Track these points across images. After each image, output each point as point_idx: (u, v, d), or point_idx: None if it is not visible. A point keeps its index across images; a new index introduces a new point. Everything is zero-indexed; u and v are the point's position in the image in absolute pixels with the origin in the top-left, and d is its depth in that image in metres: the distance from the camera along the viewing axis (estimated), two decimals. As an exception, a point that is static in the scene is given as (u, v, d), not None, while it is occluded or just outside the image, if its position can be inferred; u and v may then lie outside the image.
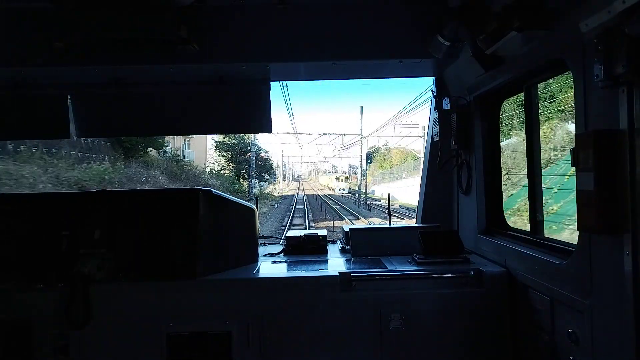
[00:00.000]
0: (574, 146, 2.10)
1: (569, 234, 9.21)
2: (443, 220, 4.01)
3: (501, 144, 3.54)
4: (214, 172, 38.36)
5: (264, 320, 2.88)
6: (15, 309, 2.83)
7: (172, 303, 2.89)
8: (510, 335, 2.91)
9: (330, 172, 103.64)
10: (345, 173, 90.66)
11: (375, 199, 50.84)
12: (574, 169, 2.10)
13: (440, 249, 3.28)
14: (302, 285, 2.95)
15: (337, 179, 74.00)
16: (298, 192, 65.82)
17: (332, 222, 24.48)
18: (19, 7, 3.23)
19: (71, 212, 3.24)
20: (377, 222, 25.29)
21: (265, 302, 2.91)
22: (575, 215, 2.12)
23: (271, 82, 3.92)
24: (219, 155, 44.21)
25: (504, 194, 3.51)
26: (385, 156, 78.32)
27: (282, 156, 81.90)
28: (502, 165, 3.51)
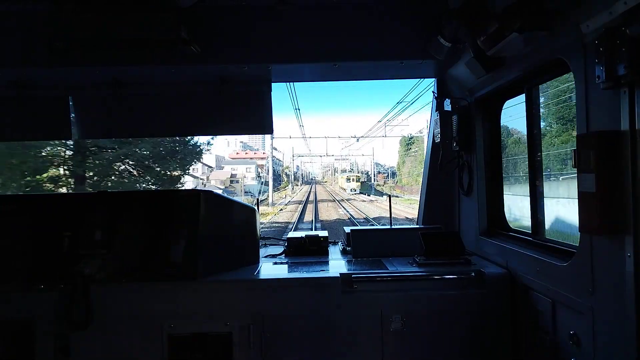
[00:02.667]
0: (575, 147, 2.10)
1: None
2: (444, 222, 4.00)
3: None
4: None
5: (265, 321, 2.88)
6: (16, 310, 2.83)
7: (172, 304, 2.88)
8: (511, 337, 2.90)
9: (351, 171, 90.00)
10: (357, 172, 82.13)
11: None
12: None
13: (442, 251, 3.28)
14: (303, 286, 2.94)
15: (348, 179, 68.28)
16: (303, 211, 32.91)
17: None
18: (20, 7, 3.24)
19: (72, 213, 3.24)
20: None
21: (266, 303, 2.90)
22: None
23: (273, 84, 3.93)
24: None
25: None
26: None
27: (272, 144, 51.21)
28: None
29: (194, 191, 3.19)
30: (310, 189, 77.50)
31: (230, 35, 3.36)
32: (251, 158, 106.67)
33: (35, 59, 3.32)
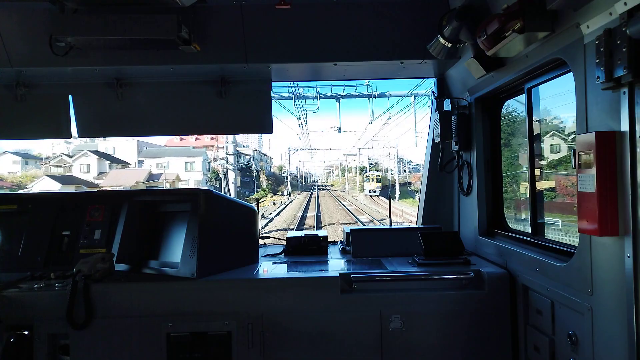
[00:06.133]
0: (575, 148, 2.10)
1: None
2: (444, 222, 4.00)
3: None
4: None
5: (264, 321, 2.88)
6: (16, 309, 2.83)
7: (172, 303, 2.89)
8: (510, 337, 2.91)
9: (373, 167, 67.89)
10: (376, 171, 64.09)
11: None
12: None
13: (441, 251, 3.28)
14: (303, 286, 2.95)
15: (366, 179, 58.12)
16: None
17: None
18: (21, 6, 3.24)
19: (71, 212, 3.25)
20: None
21: (266, 303, 2.91)
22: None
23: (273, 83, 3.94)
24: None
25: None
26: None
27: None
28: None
29: (193, 190, 3.19)
30: (307, 206, 41.52)
31: (230, 34, 3.36)
32: (202, 146, 62.28)
33: (36, 57, 3.32)
